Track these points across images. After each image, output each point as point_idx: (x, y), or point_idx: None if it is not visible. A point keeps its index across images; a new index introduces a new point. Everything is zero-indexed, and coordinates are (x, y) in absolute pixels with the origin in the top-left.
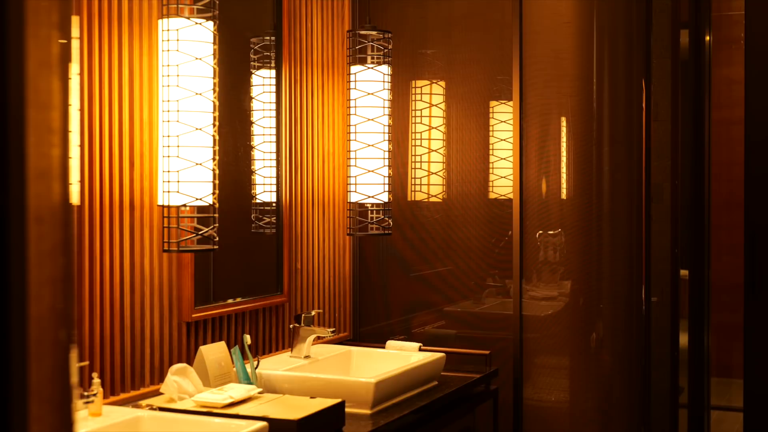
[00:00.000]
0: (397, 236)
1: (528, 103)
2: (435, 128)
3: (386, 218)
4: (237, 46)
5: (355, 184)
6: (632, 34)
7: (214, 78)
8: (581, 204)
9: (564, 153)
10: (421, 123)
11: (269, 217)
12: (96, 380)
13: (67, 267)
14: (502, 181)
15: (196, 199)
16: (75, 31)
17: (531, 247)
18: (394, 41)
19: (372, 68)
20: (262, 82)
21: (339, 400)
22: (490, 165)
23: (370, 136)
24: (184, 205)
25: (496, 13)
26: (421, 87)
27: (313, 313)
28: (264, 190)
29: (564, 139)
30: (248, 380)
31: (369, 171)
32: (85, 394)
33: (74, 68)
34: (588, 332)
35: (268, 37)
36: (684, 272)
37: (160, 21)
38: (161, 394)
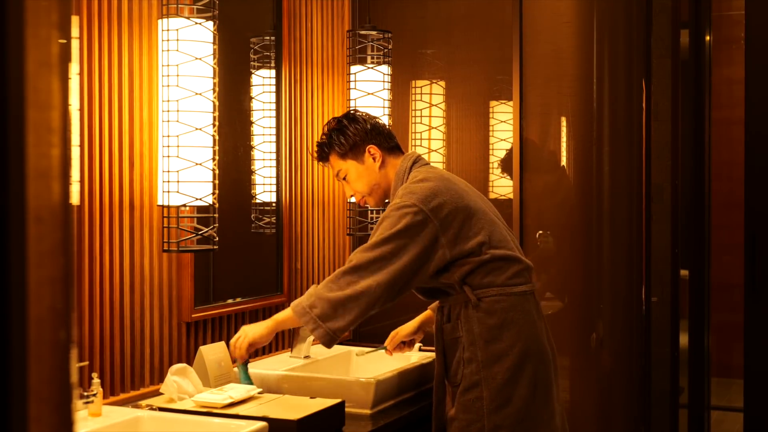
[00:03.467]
0: None
1: (528, 103)
2: (435, 128)
3: None
4: (237, 46)
5: None
6: (632, 34)
7: (214, 78)
8: (581, 204)
9: (564, 153)
10: (421, 123)
11: (269, 217)
12: (96, 380)
13: (67, 267)
14: (502, 181)
15: (196, 199)
16: (75, 31)
17: (531, 247)
18: (394, 41)
19: (372, 68)
20: (262, 82)
21: (339, 400)
22: (490, 165)
23: None
24: (184, 205)
25: (496, 13)
26: (421, 87)
27: None
28: (264, 190)
29: (564, 139)
30: (248, 380)
31: None
32: (85, 394)
33: (74, 68)
34: (588, 332)
35: (268, 37)
36: (684, 272)
37: (160, 21)
38: (161, 394)
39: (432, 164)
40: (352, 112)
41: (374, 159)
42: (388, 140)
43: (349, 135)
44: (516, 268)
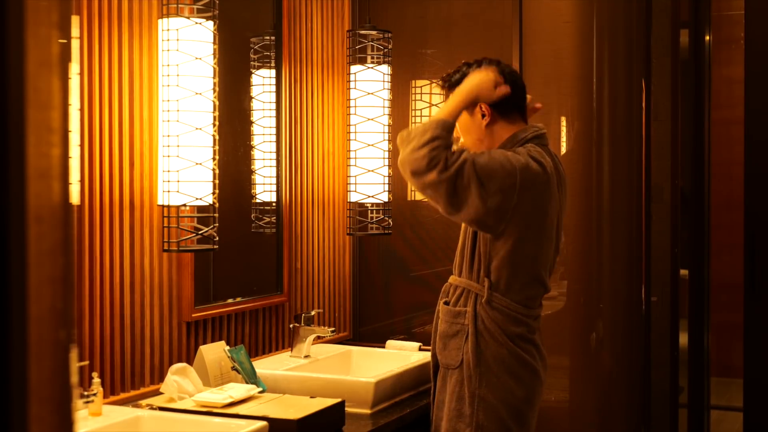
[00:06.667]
0: (397, 236)
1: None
2: None
3: (386, 218)
4: (237, 46)
5: (355, 183)
6: (632, 34)
7: (214, 78)
8: (581, 204)
9: (564, 153)
10: (421, 123)
11: (269, 217)
12: (96, 380)
13: (67, 267)
14: None
15: (196, 198)
16: (75, 31)
17: None
18: (394, 41)
19: (372, 68)
20: (262, 82)
21: (339, 400)
22: None
23: (370, 136)
24: (184, 205)
25: (496, 13)
26: (421, 87)
27: (312, 313)
28: (264, 190)
29: (564, 139)
30: (254, 378)
31: (369, 171)
32: (85, 393)
33: (74, 68)
34: (588, 332)
35: (268, 37)
36: (684, 272)
37: (160, 21)
38: (161, 393)
39: (544, 149)
40: (496, 61)
41: (483, 116)
42: (509, 106)
43: None
44: (535, 291)
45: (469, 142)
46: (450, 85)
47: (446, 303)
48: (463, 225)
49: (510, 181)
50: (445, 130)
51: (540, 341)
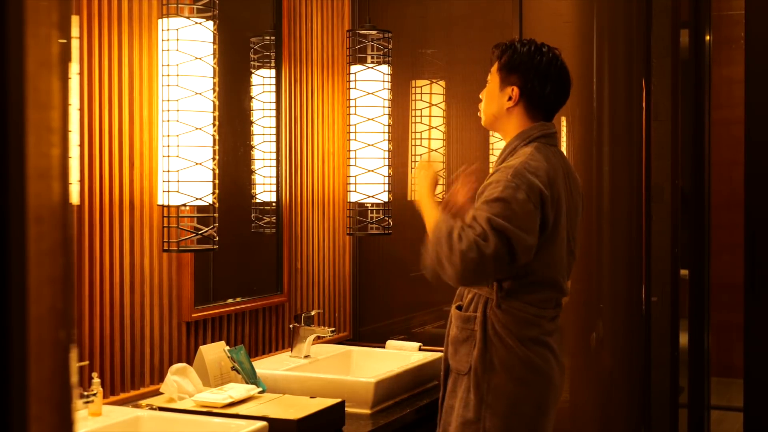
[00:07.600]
0: (397, 236)
1: None
2: (435, 128)
3: (386, 218)
4: (237, 45)
5: (355, 183)
6: (632, 34)
7: (214, 78)
8: None
9: (564, 153)
10: (421, 123)
11: (269, 217)
12: (96, 380)
13: (67, 267)
14: None
15: (196, 198)
16: (75, 31)
17: None
18: (394, 41)
19: (372, 68)
20: (262, 82)
21: (339, 400)
22: (491, 165)
23: (370, 136)
24: (184, 205)
25: (496, 13)
26: (421, 87)
27: (312, 313)
28: (264, 190)
29: (564, 139)
30: (254, 378)
31: (369, 171)
32: (85, 394)
33: (74, 68)
34: (588, 332)
35: (268, 37)
36: (684, 272)
37: (160, 21)
38: (161, 393)
39: (550, 149)
40: (554, 52)
41: (510, 98)
42: (539, 102)
43: (516, 60)
44: (548, 294)
45: (486, 109)
46: (501, 64)
47: (458, 308)
48: None
49: (530, 218)
50: (444, 225)
51: (556, 344)
